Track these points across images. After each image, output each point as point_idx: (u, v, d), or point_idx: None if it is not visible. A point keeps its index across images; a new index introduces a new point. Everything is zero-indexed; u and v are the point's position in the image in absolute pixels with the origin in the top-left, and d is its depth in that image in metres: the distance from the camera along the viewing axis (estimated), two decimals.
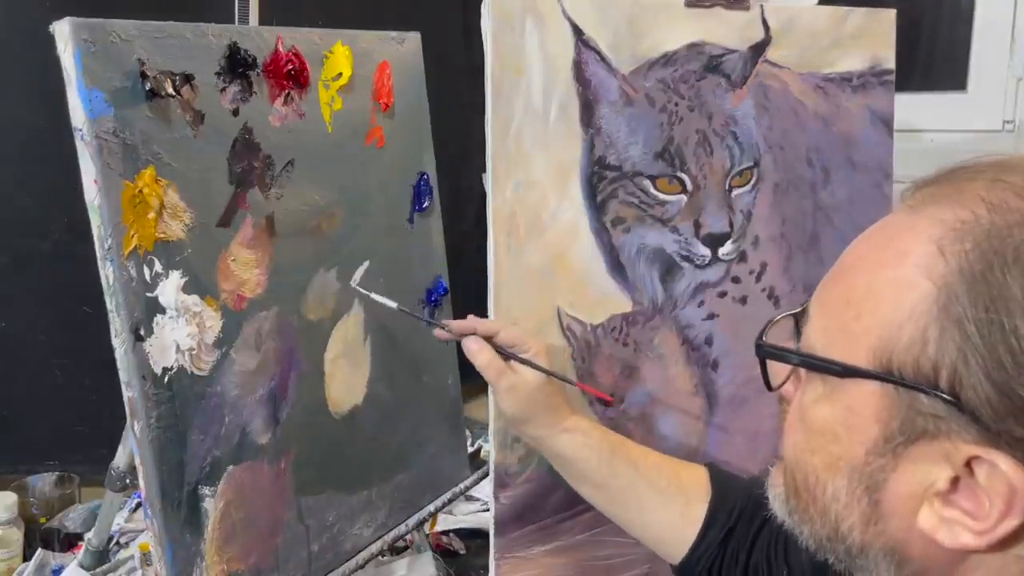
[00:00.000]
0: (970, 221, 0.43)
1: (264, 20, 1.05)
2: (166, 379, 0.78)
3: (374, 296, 0.90)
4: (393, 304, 0.89)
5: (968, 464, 0.43)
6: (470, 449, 1.45)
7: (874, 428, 0.46)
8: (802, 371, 0.53)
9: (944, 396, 0.43)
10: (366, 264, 0.99)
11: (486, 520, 0.96)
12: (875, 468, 0.47)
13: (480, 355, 0.81)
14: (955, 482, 0.44)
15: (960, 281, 0.42)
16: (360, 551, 1.01)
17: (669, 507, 0.80)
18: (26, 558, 1.23)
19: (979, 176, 0.46)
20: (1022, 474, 0.42)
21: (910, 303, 0.44)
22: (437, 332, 0.86)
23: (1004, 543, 0.44)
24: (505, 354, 0.82)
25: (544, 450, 0.84)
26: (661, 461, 0.83)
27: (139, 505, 1.31)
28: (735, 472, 0.98)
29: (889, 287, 0.45)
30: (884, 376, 0.45)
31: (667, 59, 0.94)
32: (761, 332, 0.53)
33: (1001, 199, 0.43)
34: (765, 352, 0.53)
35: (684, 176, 0.95)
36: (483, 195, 0.87)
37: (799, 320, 0.53)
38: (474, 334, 0.82)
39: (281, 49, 0.88)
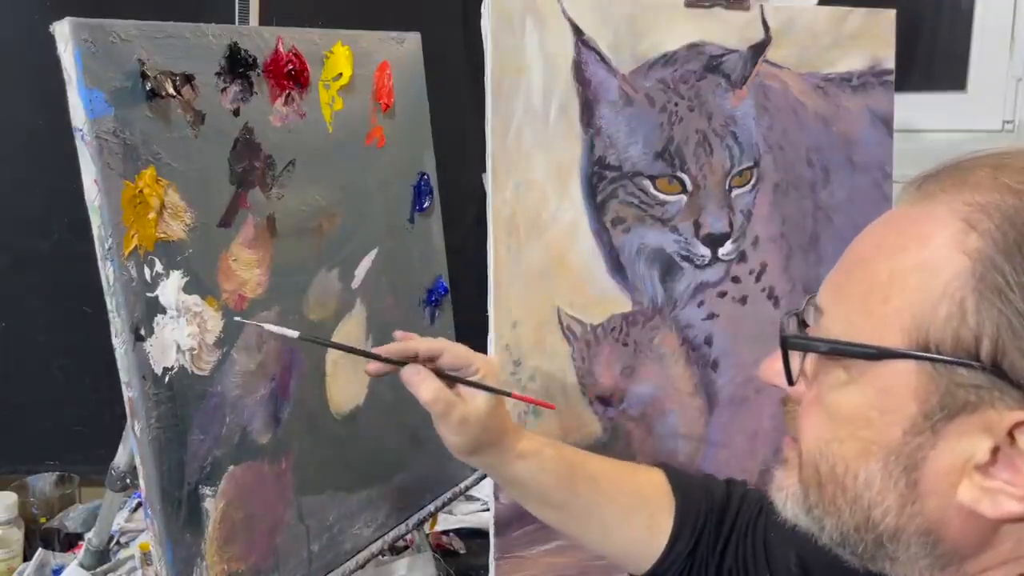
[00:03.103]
0: (994, 201, 0.45)
1: (264, 20, 1.05)
2: (166, 379, 0.78)
3: (266, 327, 0.79)
4: (294, 334, 0.77)
5: (1010, 432, 0.44)
6: None
7: (911, 407, 0.47)
8: (808, 368, 0.53)
9: (986, 366, 0.44)
10: (374, 251, 0.99)
11: (486, 520, 0.96)
12: (913, 447, 0.47)
13: (424, 388, 0.72)
14: (995, 452, 0.45)
15: (996, 252, 0.44)
16: (360, 551, 1.01)
17: (633, 522, 0.77)
18: (26, 558, 1.23)
19: (983, 165, 0.48)
20: None
21: (943, 279, 0.45)
22: (369, 366, 0.76)
23: None
24: (451, 378, 0.73)
25: (496, 477, 0.79)
26: (619, 473, 0.80)
27: (139, 505, 1.31)
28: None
29: (916, 269, 0.47)
30: (921, 354, 0.46)
31: (667, 59, 0.94)
32: (782, 326, 0.53)
33: (1018, 180, 0.45)
34: (791, 344, 0.53)
35: (684, 176, 0.95)
36: (483, 195, 0.87)
37: (802, 318, 0.53)
38: (415, 359, 0.74)
39: (281, 49, 0.88)
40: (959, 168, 0.49)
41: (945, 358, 0.45)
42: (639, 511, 0.77)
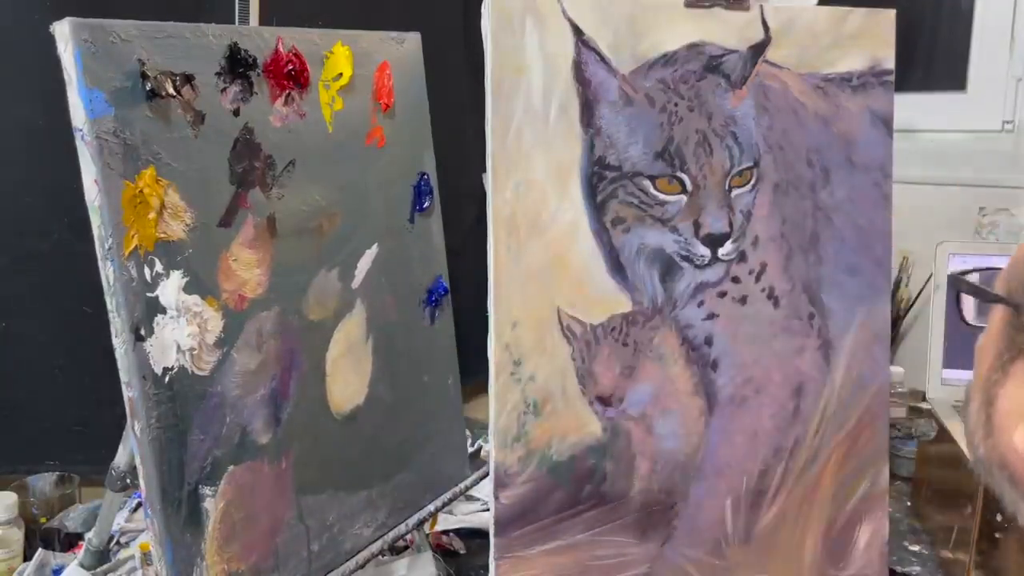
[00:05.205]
0: None
1: (264, 20, 1.05)
2: (167, 379, 0.78)
3: None
4: None
5: None
6: (470, 449, 1.45)
7: (993, 347, 0.53)
8: None
9: None
10: (374, 251, 0.99)
11: (486, 520, 0.96)
12: (991, 383, 0.52)
13: None
14: None
15: None
16: (360, 551, 1.01)
17: None
18: (26, 558, 1.23)
19: None
20: None
21: None
22: None
23: None
24: None
25: None
26: None
27: (139, 505, 1.31)
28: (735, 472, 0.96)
29: None
30: (1000, 295, 0.51)
31: (667, 59, 0.94)
32: (964, 272, 0.60)
33: None
34: (965, 288, 0.59)
35: (684, 176, 0.95)
36: (483, 195, 0.87)
37: None
38: None
39: (281, 49, 0.88)
40: None
41: (1008, 300, 0.50)
42: None
